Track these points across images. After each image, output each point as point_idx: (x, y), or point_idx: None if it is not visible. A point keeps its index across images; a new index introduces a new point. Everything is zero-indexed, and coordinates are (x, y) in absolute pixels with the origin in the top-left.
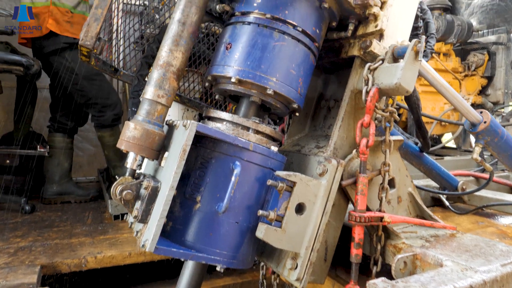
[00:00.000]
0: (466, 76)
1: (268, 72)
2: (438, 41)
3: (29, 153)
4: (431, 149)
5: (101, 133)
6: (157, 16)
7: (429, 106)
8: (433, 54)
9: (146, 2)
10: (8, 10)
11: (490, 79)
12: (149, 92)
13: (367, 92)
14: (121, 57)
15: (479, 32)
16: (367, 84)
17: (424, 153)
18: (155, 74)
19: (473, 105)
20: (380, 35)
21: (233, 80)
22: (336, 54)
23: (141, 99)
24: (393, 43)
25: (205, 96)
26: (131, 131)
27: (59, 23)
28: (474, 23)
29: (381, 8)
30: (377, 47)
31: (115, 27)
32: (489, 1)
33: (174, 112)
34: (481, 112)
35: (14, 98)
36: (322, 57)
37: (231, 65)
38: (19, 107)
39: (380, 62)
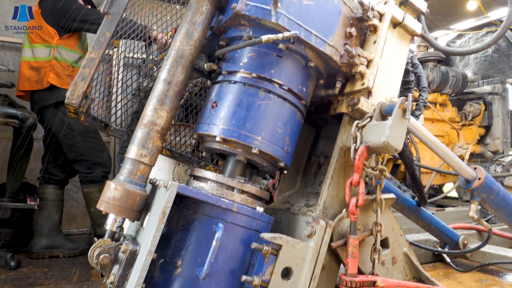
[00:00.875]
0: (463, 125)
1: (253, 131)
2: (434, 91)
3: (18, 206)
4: (432, 199)
5: (88, 189)
6: (155, 69)
7: (428, 156)
8: (430, 104)
9: (144, 55)
10: (6, 65)
11: (488, 128)
12: (132, 151)
13: (356, 150)
14: (112, 111)
15: (474, 82)
16: (355, 142)
17: (422, 207)
18: (139, 133)
19: (472, 154)
20: (368, 92)
21: (218, 139)
22: (325, 110)
23: (124, 158)
24: (382, 100)
25: (197, 150)
26: (111, 192)
27: (60, 76)
28: (469, 74)
29: (367, 66)
30: (365, 104)
31: (114, 82)
32: (483, 52)
33: (165, 167)
34: (475, 168)
35: (10, 149)
36: (312, 112)
37: (217, 123)
38: (13, 158)
39: (368, 119)
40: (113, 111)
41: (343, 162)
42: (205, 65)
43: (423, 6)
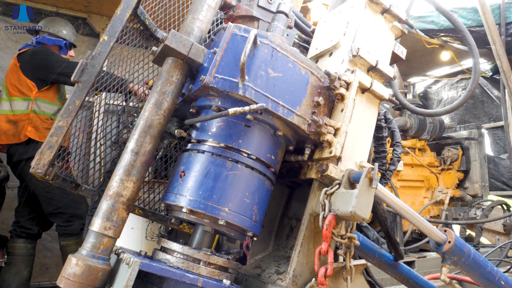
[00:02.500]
0: (442, 170)
1: (221, 202)
2: (412, 137)
3: None
4: (415, 244)
5: (66, 242)
6: (135, 116)
7: (409, 201)
8: (409, 150)
9: (124, 103)
10: None
11: (466, 172)
12: (96, 224)
13: (324, 218)
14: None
15: (452, 128)
16: (323, 209)
17: (400, 262)
18: (104, 205)
19: (452, 198)
20: (336, 159)
21: (184, 210)
22: (296, 174)
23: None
24: (351, 165)
25: None
26: (72, 268)
27: (38, 130)
28: (446, 119)
29: (335, 135)
30: (333, 171)
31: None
32: (458, 98)
33: (138, 225)
34: (445, 231)
35: None
36: (283, 175)
37: (184, 194)
38: None
39: (337, 186)
40: (88, 169)
41: (313, 228)
42: (176, 131)
43: (391, 72)
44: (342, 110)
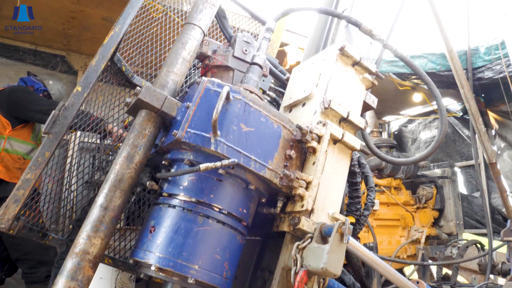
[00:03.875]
0: (418, 208)
1: (190, 259)
2: (388, 176)
3: None
4: (392, 286)
5: None
6: (110, 156)
7: (386, 240)
8: (385, 189)
9: (98, 141)
10: None
11: (441, 211)
12: (60, 284)
13: (296, 274)
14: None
15: (426, 167)
16: (295, 264)
17: None
18: (69, 263)
19: (428, 237)
20: (308, 212)
21: (153, 268)
22: (269, 226)
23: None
24: (324, 216)
25: None
26: None
27: (9, 170)
28: None
29: (306, 188)
30: (306, 224)
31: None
32: (431, 137)
33: (107, 275)
34: (417, 282)
35: None
36: (256, 226)
37: (153, 251)
38: None
39: (309, 240)
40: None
41: (286, 283)
42: (147, 183)
43: (361, 123)
44: (314, 163)
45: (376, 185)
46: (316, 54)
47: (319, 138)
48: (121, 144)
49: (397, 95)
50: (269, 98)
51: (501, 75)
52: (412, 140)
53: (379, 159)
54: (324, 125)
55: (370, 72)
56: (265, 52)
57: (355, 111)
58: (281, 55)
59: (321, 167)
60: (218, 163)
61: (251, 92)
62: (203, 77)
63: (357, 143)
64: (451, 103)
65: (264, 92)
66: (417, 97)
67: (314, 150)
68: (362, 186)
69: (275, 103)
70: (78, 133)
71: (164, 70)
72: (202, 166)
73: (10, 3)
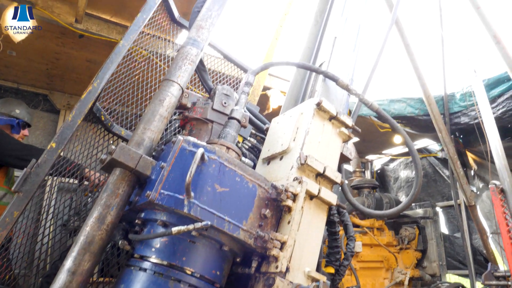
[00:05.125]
0: (401, 249)
1: None
2: (370, 217)
3: None
4: None
5: None
6: (89, 199)
7: (369, 283)
8: (367, 230)
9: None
10: None
11: (424, 252)
12: None
13: None
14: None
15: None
16: None
17: None
18: None
19: (412, 278)
20: (284, 272)
21: None
22: (243, 286)
23: None
24: (300, 275)
25: None
26: None
27: None
28: (402, 197)
29: (281, 249)
30: (280, 284)
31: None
32: (412, 177)
33: None
34: None
35: None
36: (232, 284)
37: None
38: None
39: None
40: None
41: None
42: (120, 242)
43: (338, 178)
44: (289, 222)
45: (358, 226)
46: (295, 105)
47: (294, 197)
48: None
49: (379, 136)
50: (250, 144)
51: (476, 121)
52: (394, 179)
53: (361, 199)
54: (300, 182)
55: (346, 126)
56: (243, 106)
57: (332, 165)
58: (264, 99)
59: (296, 226)
60: (190, 226)
61: (228, 148)
62: (179, 137)
63: (334, 198)
64: (431, 143)
65: (244, 139)
66: (397, 139)
67: (289, 209)
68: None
69: (256, 149)
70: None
71: (141, 127)
72: (174, 229)
73: None
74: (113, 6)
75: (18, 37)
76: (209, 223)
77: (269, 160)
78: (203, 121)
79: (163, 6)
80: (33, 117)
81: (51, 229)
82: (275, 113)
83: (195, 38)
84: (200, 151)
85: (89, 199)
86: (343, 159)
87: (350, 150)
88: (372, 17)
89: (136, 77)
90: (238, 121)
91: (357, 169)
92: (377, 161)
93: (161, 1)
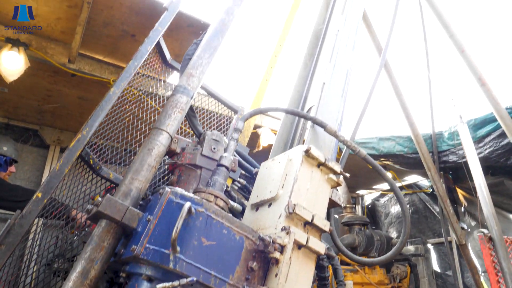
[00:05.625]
0: None
1: None
2: (361, 255)
3: None
4: None
5: None
6: (76, 236)
7: None
8: (359, 268)
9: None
10: None
11: None
12: None
13: None
14: None
15: None
16: None
17: None
18: None
19: None
20: None
21: None
22: None
23: None
24: None
25: None
26: None
27: None
28: (393, 233)
29: None
30: None
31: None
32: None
33: None
34: None
35: None
36: None
37: None
38: None
39: None
40: None
41: None
42: None
43: (326, 226)
44: (276, 275)
45: (349, 264)
46: (284, 148)
47: (282, 248)
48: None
49: (369, 171)
50: (239, 185)
51: (464, 159)
52: (385, 214)
53: (352, 236)
54: (287, 233)
55: (335, 173)
56: (232, 152)
57: (321, 213)
58: (255, 137)
59: (284, 279)
60: (176, 283)
61: (216, 197)
62: (166, 188)
63: (322, 247)
64: (421, 179)
65: (234, 180)
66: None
67: (277, 261)
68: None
69: (246, 190)
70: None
71: (129, 177)
72: (159, 286)
73: None
74: (106, 47)
75: (10, 78)
76: (195, 279)
77: (257, 206)
78: (192, 167)
79: (156, 49)
80: (22, 152)
81: (35, 269)
82: (266, 150)
83: (185, 86)
84: (187, 205)
85: (75, 237)
86: (332, 204)
87: (339, 196)
88: (361, 60)
89: (128, 113)
90: (227, 168)
91: (348, 205)
92: (368, 195)
93: (154, 45)
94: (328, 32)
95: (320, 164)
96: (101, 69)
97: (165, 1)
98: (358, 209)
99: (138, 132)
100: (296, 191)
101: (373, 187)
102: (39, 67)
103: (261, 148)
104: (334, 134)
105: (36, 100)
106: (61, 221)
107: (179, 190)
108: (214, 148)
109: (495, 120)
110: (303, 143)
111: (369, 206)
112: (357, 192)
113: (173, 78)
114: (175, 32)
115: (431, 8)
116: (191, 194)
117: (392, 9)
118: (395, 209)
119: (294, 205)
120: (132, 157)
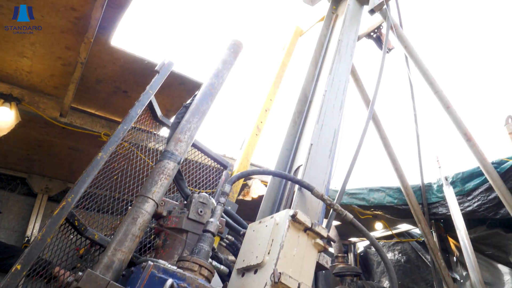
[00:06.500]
0: None
1: None
2: None
3: None
4: None
5: None
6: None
7: None
8: None
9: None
10: None
11: None
12: None
13: None
14: None
15: None
16: None
17: None
18: None
19: None
20: None
21: None
22: None
23: None
24: None
25: None
26: None
27: None
28: (386, 282)
29: None
30: None
31: None
32: (396, 262)
33: None
34: None
35: None
36: None
37: None
38: None
39: None
40: None
41: None
42: None
43: None
44: None
45: None
46: (272, 207)
47: None
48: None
49: (360, 220)
50: (228, 242)
51: None
52: (377, 263)
53: None
54: None
55: (321, 237)
56: (219, 217)
57: (307, 279)
58: (245, 188)
59: None
60: None
61: (200, 266)
62: (149, 261)
63: None
64: (413, 228)
65: (222, 238)
66: (378, 225)
67: None
68: None
69: (234, 247)
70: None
71: (112, 248)
72: None
73: None
74: (99, 102)
75: (0, 133)
76: None
77: (243, 271)
78: (178, 231)
79: (147, 107)
80: (8, 201)
81: None
82: (256, 201)
83: (172, 151)
84: (169, 282)
85: None
86: (320, 267)
87: (326, 259)
88: (351, 112)
89: (119, 165)
90: (213, 234)
91: (339, 254)
92: (361, 243)
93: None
94: (317, 91)
95: (307, 229)
96: (93, 123)
97: (158, 60)
98: (351, 257)
99: (127, 185)
100: (282, 258)
101: None
102: (30, 119)
103: (250, 199)
104: (321, 198)
105: (26, 150)
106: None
107: (161, 263)
108: (201, 211)
109: (482, 174)
110: (290, 204)
111: (362, 254)
112: (349, 239)
113: (164, 131)
114: (167, 90)
115: (416, 66)
116: (174, 268)
117: (378, 65)
118: (388, 257)
119: (280, 273)
120: (124, 207)
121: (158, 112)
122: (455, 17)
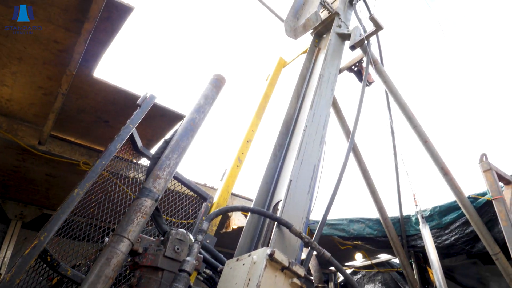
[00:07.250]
0: None
1: None
2: None
3: None
4: None
5: None
6: None
7: None
8: None
9: None
10: None
11: None
12: None
13: None
14: None
15: None
16: None
17: None
18: None
19: None
20: None
21: None
22: None
23: None
24: None
25: None
26: None
27: None
28: None
29: None
30: None
31: None
32: None
33: None
34: None
35: None
36: None
37: None
38: None
39: None
40: None
41: None
42: None
43: None
44: None
45: None
46: (251, 243)
47: None
48: None
49: (341, 250)
50: (205, 276)
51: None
52: None
53: None
54: None
55: (299, 276)
56: (195, 255)
57: None
58: (226, 218)
59: None
60: None
61: None
62: None
63: None
64: (393, 258)
65: (199, 273)
66: (358, 256)
67: None
68: None
69: (212, 281)
70: None
71: None
72: None
73: None
74: (79, 130)
75: None
76: None
77: None
78: (154, 269)
79: (128, 138)
80: None
81: None
82: (235, 232)
83: (150, 189)
84: None
85: None
86: None
87: None
88: (331, 142)
89: (98, 193)
90: (189, 273)
91: (320, 284)
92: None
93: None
94: (298, 125)
95: (284, 268)
96: (72, 151)
97: (140, 91)
98: (331, 286)
99: (105, 211)
100: None
101: (346, 263)
102: (7, 145)
103: (230, 229)
104: (299, 236)
105: (1, 175)
106: None
107: None
108: (178, 249)
109: (459, 207)
110: (269, 239)
111: (342, 283)
112: (330, 268)
113: (143, 160)
114: (148, 120)
115: (395, 101)
116: None
117: (357, 100)
118: (368, 286)
119: None
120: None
121: (139, 143)
122: (438, 57)
